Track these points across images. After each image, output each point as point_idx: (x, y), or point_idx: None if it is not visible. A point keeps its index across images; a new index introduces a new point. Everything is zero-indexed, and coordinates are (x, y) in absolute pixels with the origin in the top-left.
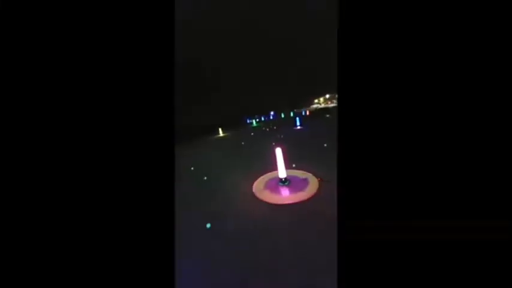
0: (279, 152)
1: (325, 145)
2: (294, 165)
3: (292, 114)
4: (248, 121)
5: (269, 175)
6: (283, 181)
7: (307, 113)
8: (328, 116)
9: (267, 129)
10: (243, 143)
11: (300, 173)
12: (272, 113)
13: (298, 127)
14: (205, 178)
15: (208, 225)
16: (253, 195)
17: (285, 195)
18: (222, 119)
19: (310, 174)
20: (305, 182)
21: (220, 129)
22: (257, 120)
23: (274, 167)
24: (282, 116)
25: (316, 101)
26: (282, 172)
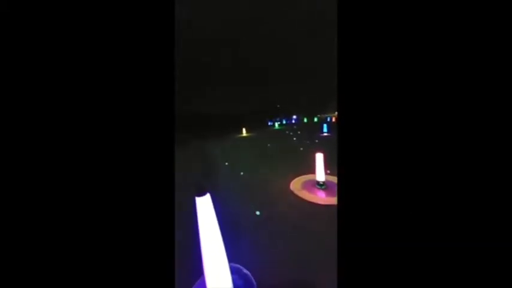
0: (319, 157)
1: None
2: (328, 172)
3: (316, 119)
4: (270, 123)
5: (303, 177)
6: (320, 184)
7: (333, 119)
8: None
9: (290, 133)
10: (269, 145)
11: (336, 180)
12: (294, 116)
13: (325, 134)
14: (242, 173)
15: (258, 213)
16: (291, 192)
17: (321, 197)
18: (245, 118)
19: None
20: None
21: (244, 129)
22: (279, 123)
23: (304, 170)
24: (305, 120)
25: None
26: (320, 176)
